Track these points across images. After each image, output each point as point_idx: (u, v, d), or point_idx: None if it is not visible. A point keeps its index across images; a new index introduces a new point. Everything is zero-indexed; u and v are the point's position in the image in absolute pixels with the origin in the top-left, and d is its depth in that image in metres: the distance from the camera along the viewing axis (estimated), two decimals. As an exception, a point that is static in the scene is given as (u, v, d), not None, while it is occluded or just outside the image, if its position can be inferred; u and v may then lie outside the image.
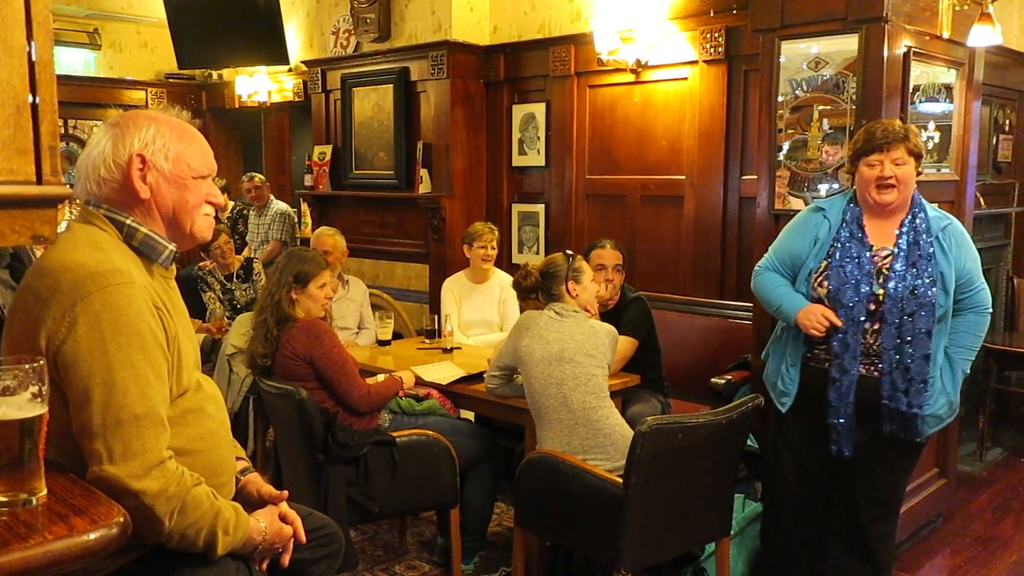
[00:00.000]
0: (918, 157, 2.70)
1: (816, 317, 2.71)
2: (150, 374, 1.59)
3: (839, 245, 2.76)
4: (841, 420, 2.73)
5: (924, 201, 2.77)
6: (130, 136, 1.71)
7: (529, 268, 3.27)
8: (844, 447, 2.77)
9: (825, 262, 2.78)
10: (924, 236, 2.68)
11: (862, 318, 2.68)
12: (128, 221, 1.72)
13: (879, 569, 2.91)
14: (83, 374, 1.53)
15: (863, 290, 2.68)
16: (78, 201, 1.77)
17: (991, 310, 2.76)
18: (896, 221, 2.73)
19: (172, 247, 1.78)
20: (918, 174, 2.74)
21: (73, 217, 1.77)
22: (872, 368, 2.72)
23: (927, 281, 2.64)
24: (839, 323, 2.69)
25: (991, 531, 3.90)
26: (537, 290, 3.21)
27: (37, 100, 1.13)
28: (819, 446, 2.83)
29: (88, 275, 1.57)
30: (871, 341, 2.71)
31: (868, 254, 2.72)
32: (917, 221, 2.71)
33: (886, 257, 2.71)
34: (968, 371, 2.78)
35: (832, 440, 2.77)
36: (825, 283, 2.76)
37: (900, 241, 2.70)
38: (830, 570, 3.01)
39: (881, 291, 2.68)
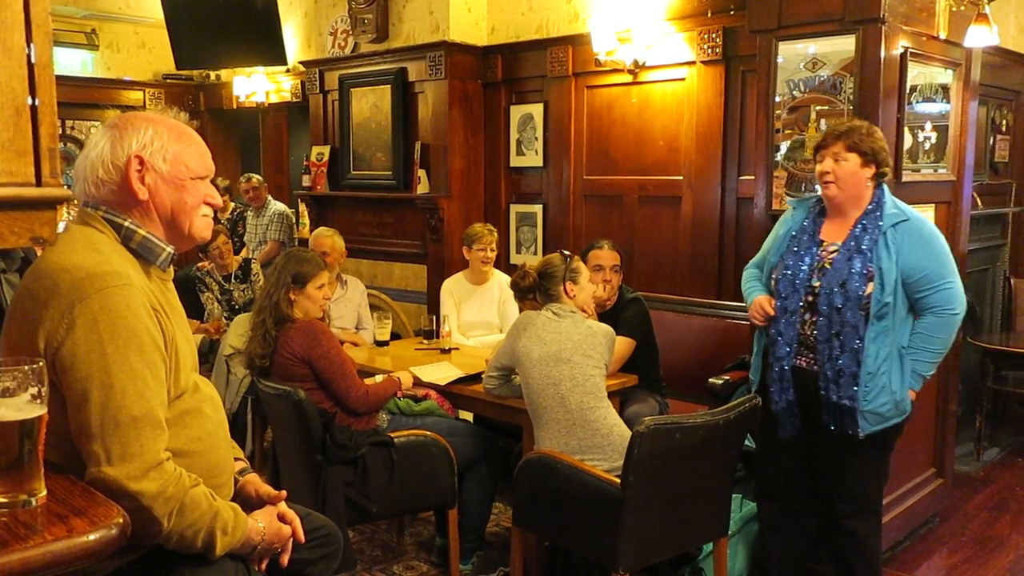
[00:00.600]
0: (864, 153, 2.72)
1: (756, 307, 2.92)
2: (148, 376, 1.60)
3: (793, 241, 2.88)
4: (781, 407, 2.85)
5: (890, 198, 2.78)
6: (128, 137, 1.71)
7: (527, 268, 3.27)
8: (786, 431, 2.88)
9: (781, 257, 2.91)
10: (871, 232, 2.71)
11: (795, 308, 2.80)
12: (126, 223, 1.72)
13: (857, 572, 2.93)
14: (81, 376, 1.54)
15: (799, 283, 2.79)
16: (75, 203, 1.77)
17: (957, 312, 2.70)
18: (853, 218, 2.78)
19: (170, 249, 1.78)
20: (880, 173, 2.76)
21: (71, 218, 1.77)
22: (812, 362, 2.80)
23: (858, 276, 2.68)
24: (771, 312, 2.85)
25: (988, 531, 3.91)
26: (535, 290, 3.22)
27: (36, 102, 1.13)
28: (773, 432, 2.95)
29: (86, 277, 1.57)
30: (808, 333, 2.80)
31: (816, 250, 2.82)
32: (872, 218, 2.74)
33: (832, 252, 2.78)
34: (927, 375, 2.78)
35: (779, 425, 2.89)
36: (775, 276, 2.90)
37: (848, 237, 2.75)
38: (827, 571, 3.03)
39: (817, 284, 2.77)
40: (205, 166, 1.81)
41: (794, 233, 2.89)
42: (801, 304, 2.79)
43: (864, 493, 2.89)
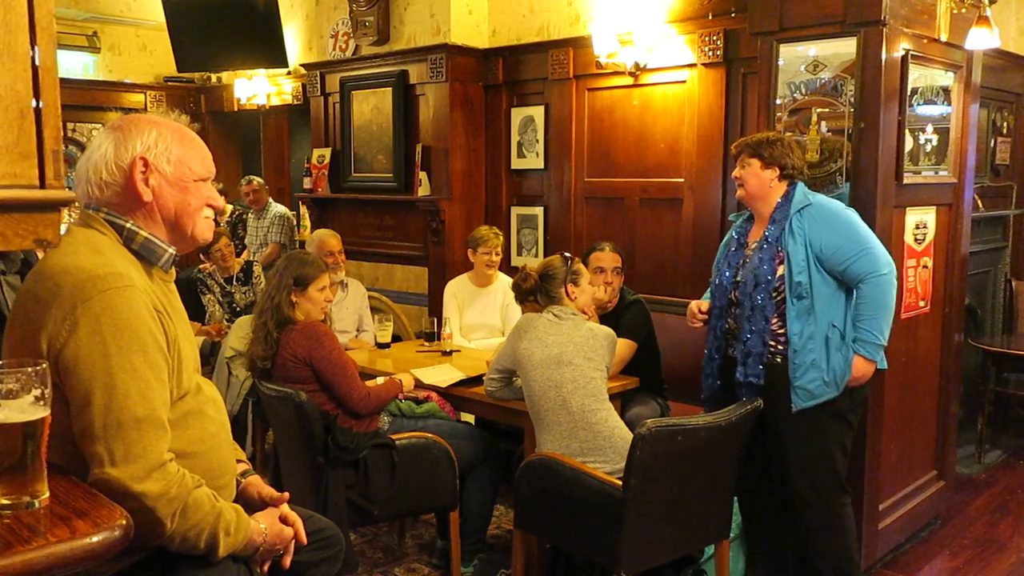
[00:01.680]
0: (762, 157, 2.95)
1: (687, 312, 3.20)
2: (150, 377, 1.60)
3: (726, 250, 3.14)
4: (711, 394, 3.11)
5: (800, 192, 2.95)
6: (132, 139, 1.71)
7: (528, 270, 3.27)
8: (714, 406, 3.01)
9: (717, 267, 3.16)
10: (779, 223, 2.92)
11: (723, 305, 3.05)
12: (128, 224, 1.72)
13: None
14: (84, 377, 1.54)
15: (725, 282, 3.05)
16: (76, 205, 1.77)
17: (884, 272, 2.81)
18: (768, 217, 2.99)
19: (172, 250, 1.78)
20: (786, 174, 2.95)
21: (72, 221, 1.77)
22: (733, 350, 3.01)
23: (768, 262, 2.90)
24: (699, 314, 3.13)
25: (989, 533, 3.91)
26: (536, 292, 3.22)
27: (40, 105, 1.14)
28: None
29: (89, 278, 1.57)
30: (734, 325, 3.02)
31: (741, 251, 3.05)
32: (781, 211, 2.94)
33: (752, 250, 3.01)
34: (879, 342, 2.85)
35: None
36: (711, 283, 3.19)
37: (763, 233, 2.97)
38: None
39: (738, 278, 3.00)
40: (207, 168, 1.82)
41: (729, 244, 3.13)
42: (728, 300, 3.03)
43: (811, 485, 2.93)
